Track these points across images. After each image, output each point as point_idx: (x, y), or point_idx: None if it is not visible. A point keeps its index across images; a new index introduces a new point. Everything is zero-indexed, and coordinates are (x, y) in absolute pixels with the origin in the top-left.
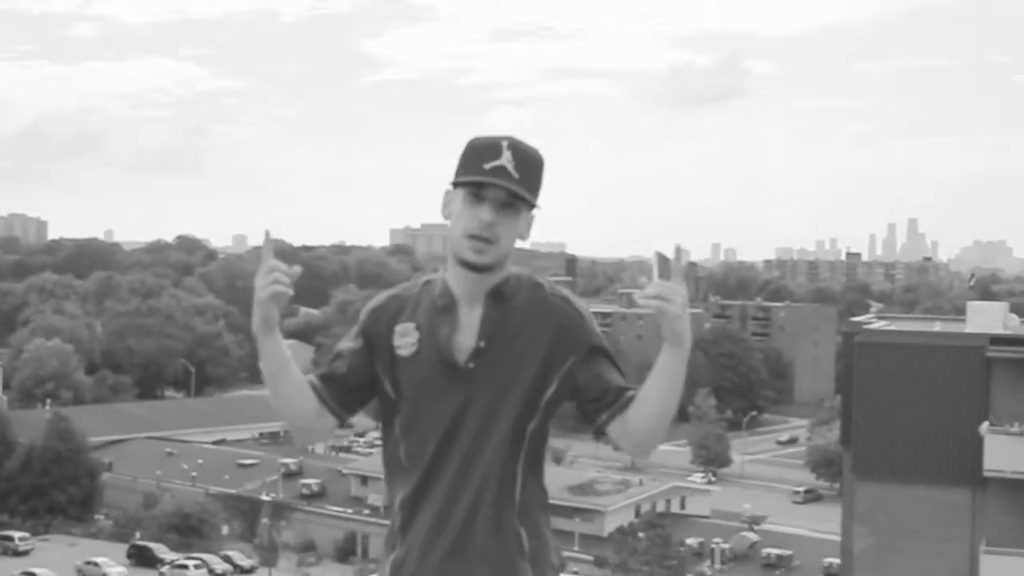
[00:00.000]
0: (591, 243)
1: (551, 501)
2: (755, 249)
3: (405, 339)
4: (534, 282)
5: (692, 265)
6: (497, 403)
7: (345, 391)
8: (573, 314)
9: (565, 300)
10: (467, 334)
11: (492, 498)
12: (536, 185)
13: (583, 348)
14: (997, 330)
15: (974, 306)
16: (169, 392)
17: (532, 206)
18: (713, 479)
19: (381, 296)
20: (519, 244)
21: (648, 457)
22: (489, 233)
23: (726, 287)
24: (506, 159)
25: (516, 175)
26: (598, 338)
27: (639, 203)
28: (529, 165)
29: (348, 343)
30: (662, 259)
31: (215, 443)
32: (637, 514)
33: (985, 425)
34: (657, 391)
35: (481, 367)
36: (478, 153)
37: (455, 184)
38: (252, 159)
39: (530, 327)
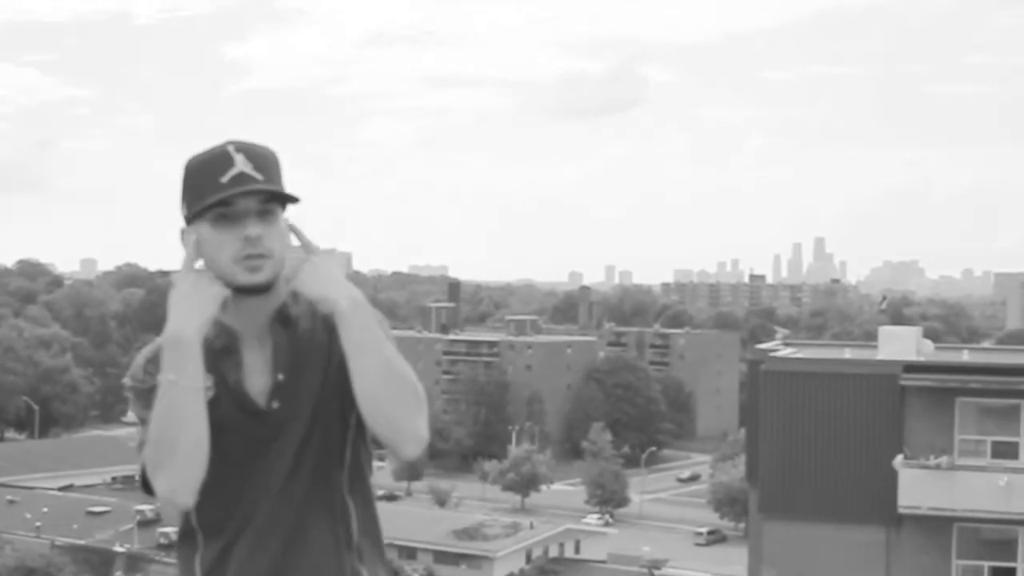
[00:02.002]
0: (475, 266)
1: (437, 547)
2: (652, 271)
3: None
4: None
5: (585, 289)
6: (309, 438)
7: None
8: None
9: None
10: (261, 371)
11: (322, 538)
12: (279, 178)
13: None
14: (910, 357)
15: (886, 331)
16: (10, 433)
17: (285, 203)
18: (610, 520)
19: (151, 346)
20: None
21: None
22: (261, 248)
23: (621, 312)
24: (241, 163)
25: (260, 177)
26: None
27: (527, 222)
28: (266, 162)
29: (141, 411)
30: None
31: (62, 489)
32: (528, 560)
33: (899, 459)
34: (352, 361)
35: (285, 403)
36: (207, 169)
37: (191, 216)
38: (103, 175)
39: (321, 347)
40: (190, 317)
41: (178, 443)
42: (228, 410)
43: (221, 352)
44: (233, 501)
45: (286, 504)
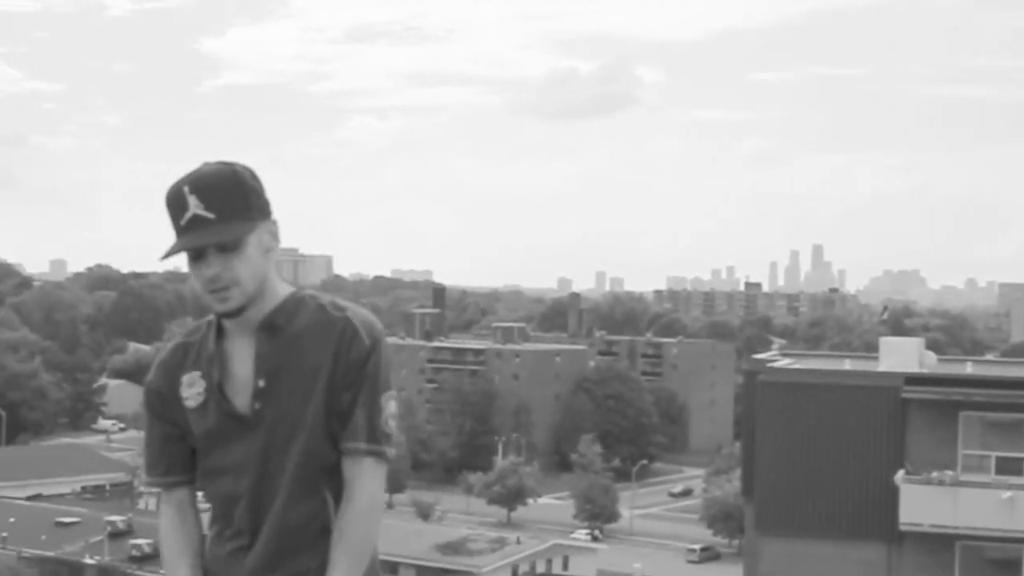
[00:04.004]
0: (461, 271)
1: (419, 562)
2: (645, 279)
3: (192, 389)
4: (318, 303)
5: (575, 296)
6: (290, 440)
7: (185, 460)
8: (350, 330)
9: (345, 318)
10: (246, 375)
11: (303, 530)
12: (238, 204)
13: (352, 368)
14: (912, 368)
15: (887, 342)
16: None
17: (252, 224)
18: (599, 536)
19: (168, 346)
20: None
21: None
22: (219, 284)
23: (613, 321)
24: (193, 205)
25: (211, 215)
26: (364, 360)
27: (515, 227)
28: (218, 194)
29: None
30: None
31: (30, 499)
32: None
33: (900, 474)
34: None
35: (268, 407)
36: (171, 210)
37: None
38: (73, 173)
39: (312, 352)
40: None
41: None
42: (215, 414)
43: (214, 356)
44: (226, 494)
45: (271, 501)
